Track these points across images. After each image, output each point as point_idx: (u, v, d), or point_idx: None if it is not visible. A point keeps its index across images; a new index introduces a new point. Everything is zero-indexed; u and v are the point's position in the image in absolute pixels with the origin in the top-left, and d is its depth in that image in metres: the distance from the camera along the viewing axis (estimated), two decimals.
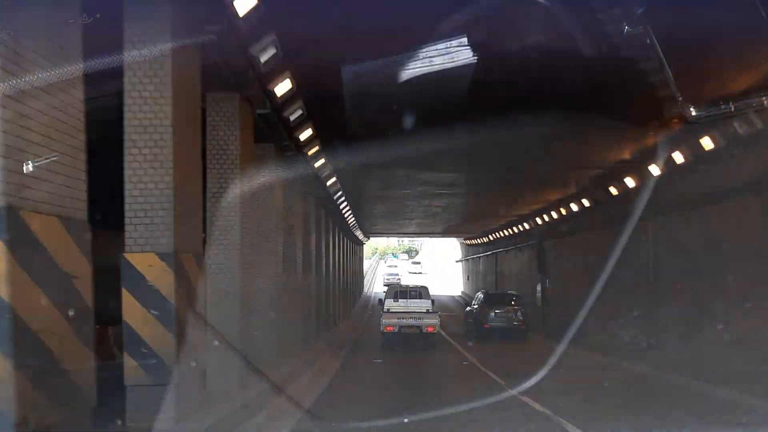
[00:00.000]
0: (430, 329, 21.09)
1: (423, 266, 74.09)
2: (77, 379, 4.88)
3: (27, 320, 4.22)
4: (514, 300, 25.36)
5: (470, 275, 56.08)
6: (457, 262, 64.01)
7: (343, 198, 22.14)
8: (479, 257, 50.88)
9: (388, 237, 55.76)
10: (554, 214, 26.65)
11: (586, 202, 22.55)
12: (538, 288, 31.38)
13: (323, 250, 21.90)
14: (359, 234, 40.54)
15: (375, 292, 55.86)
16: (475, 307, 26.30)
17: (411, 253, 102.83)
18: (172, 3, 6.39)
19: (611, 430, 9.77)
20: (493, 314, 24.19)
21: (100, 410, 5.24)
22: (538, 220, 29.44)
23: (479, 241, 48.35)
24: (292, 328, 15.41)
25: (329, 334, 23.44)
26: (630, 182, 18.54)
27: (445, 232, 43.76)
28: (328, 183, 18.45)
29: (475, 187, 22.67)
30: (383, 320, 21.17)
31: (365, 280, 63.67)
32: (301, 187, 16.19)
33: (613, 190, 19.80)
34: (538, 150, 16.42)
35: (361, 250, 58.11)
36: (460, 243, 59.31)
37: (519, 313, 24.52)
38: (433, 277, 69.16)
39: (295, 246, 15.82)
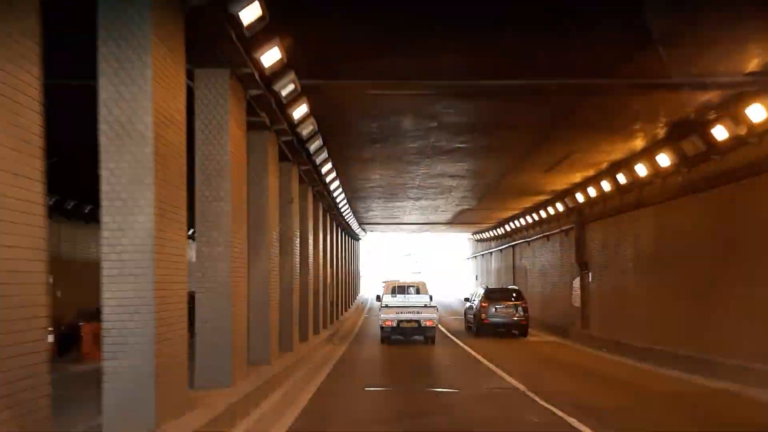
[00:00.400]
0: (429, 323, 20.86)
1: (422, 264, 67.69)
2: None
3: None
4: (515, 295, 24.92)
5: (479, 274, 49.48)
6: (467, 259, 57.45)
7: (323, 151, 15.64)
8: (491, 252, 44.39)
9: (385, 231, 49.02)
10: (606, 185, 20.17)
11: (664, 160, 16.06)
12: (576, 284, 24.94)
13: (294, 225, 15.42)
14: (353, 222, 34.03)
15: (372, 299, 49.31)
16: (475, 302, 25.57)
17: (410, 256, 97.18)
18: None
19: None
20: (493, 309, 24.03)
21: None
22: (580, 197, 22.97)
23: (493, 234, 41.89)
24: (218, 339, 8.92)
25: (306, 345, 16.95)
26: (758, 112, 12.07)
27: (454, 223, 37.24)
28: (297, 114, 11.93)
29: (504, 139, 16.14)
30: (382, 315, 21.10)
31: (361, 282, 57.10)
32: (244, 99, 9.74)
33: (721, 132, 13.30)
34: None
35: (358, 247, 51.62)
36: (469, 239, 52.78)
37: (520, 308, 24.24)
38: (437, 277, 62.85)
39: (235, 201, 9.36)
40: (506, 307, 24.07)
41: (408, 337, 21.31)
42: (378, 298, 22.83)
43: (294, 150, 14.09)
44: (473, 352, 19.29)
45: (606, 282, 21.97)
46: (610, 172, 19.46)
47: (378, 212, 31.33)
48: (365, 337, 24.89)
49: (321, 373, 14.02)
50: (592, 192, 21.61)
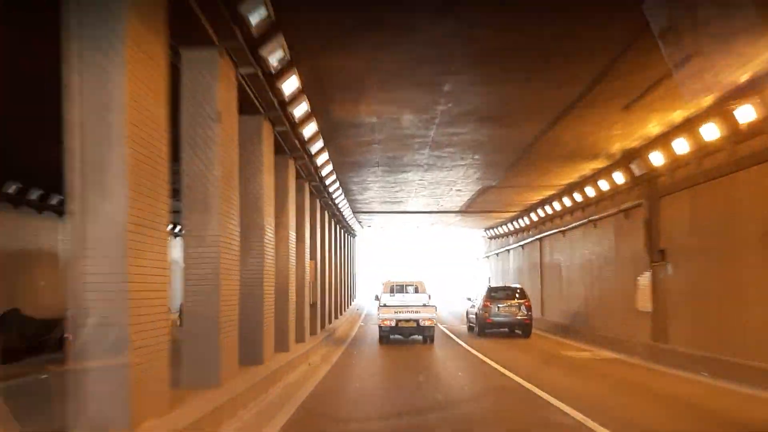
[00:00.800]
0: (428, 322, 20.61)
1: (427, 267, 61.05)
2: None
3: None
4: (518, 294, 24.36)
5: (494, 275, 42.72)
6: (478, 260, 50.64)
7: (278, 40, 9.09)
8: (508, 250, 37.79)
9: (385, 228, 42.47)
10: (709, 131, 13.63)
11: None
12: (644, 281, 18.39)
13: (226, 167, 8.87)
14: (344, 207, 27.47)
15: (371, 306, 42.93)
16: (477, 301, 25.09)
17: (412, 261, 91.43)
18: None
19: None
20: (496, 308, 23.60)
21: None
22: (656, 158, 16.43)
23: (511, 228, 35.30)
24: None
25: (257, 372, 10.33)
26: None
27: (468, 211, 30.65)
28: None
29: (582, 26, 9.58)
30: (380, 314, 20.88)
31: (357, 286, 50.33)
32: None
33: None
34: None
35: (354, 245, 45.12)
36: (482, 237, 46.09)
37: (523, 307, 23.71)
38: (445, 280, 56.32)
39: None
40: (509, 306, 23.60)
41: (406, 337, 21.10)
42: (376, 297, 22.62)
43: (216, 15, 7.52)
44: (516, 377, 12.83)
45: (701, 275, 15.34)
46: (719, 109, 12.93)
47: (376, 192, 24.74)
48: (357, 354, 18.36)
49: None
50: (680, 147, 15.05)
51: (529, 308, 23.68)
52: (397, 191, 24.22)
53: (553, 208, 26.25)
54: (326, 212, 23.59)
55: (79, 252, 5.37)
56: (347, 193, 24.44)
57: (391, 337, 20.88)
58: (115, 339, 5.49)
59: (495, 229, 40.23)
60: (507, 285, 27.41)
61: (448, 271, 60.69)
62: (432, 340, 20.82)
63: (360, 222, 37.16)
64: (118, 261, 5.49)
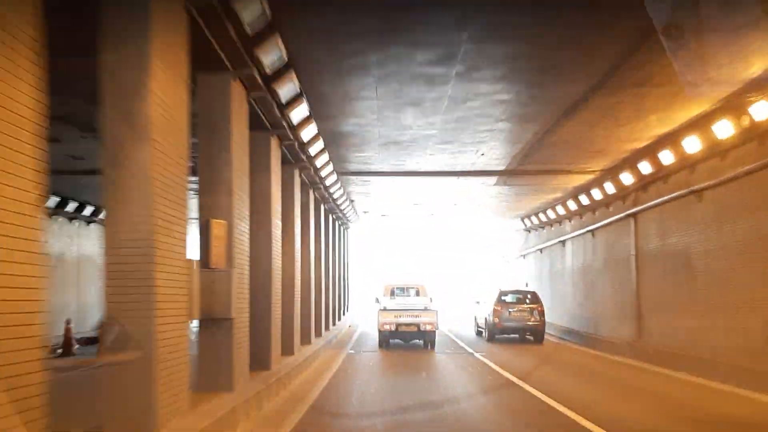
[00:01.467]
0: (429, 327, 20.24)
1: (448, 268, 49.99)
2: None
3: None
4: (529, 298, 23.61)
5: (533, 278, 31.41)
6: (506, 261, 39.08)
7: None
8: (563, 241, 26.68)
9: (388, 211, 31.07)
10: None
11: None
12: None
13: None
14: (318, 150, 16.32)
15: (368, 323, 31.81)
16: (487, 305, 24.22)
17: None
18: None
19: None
20: (507, 313, 22.96)
21: None
22: None
23: (572, 208, 24.18)
24: None
25: None
26: None
27: (517, 171, 19.54)
28: None
29: None
30: (380, 318, 20.78)
31: (352, 291, 38.89)
32: None
33: None
34: None
35: (347, 238, 34.15)
36: (517, 231, 34.75)
37: (536, 312, 22.93)
38: (470, 283, 45.58)
39: None
40: (520, 310, 23.04)
41: (407, 341, 20.94)
42: (376, 300, 22.36)
43: None
44: None
45: None
46: None
47: (372, 119, 13.65)
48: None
49: None
50: None
51: (541, 313, 22.95)
52: (406, 115, 13.12)
53: (679, 152, 15.15)
54: (307, 187, 12.54)
55: None
56: (319, 116, 13.36)
57: (392, 341, 20.68)
58: None
59: (539, 216, 29.07)
60: (518, 288, 25.94)
61: (463, 273, 49.88)
62: (433, 345, 20.53)
63: (352, 201, 26.15)
64: None
